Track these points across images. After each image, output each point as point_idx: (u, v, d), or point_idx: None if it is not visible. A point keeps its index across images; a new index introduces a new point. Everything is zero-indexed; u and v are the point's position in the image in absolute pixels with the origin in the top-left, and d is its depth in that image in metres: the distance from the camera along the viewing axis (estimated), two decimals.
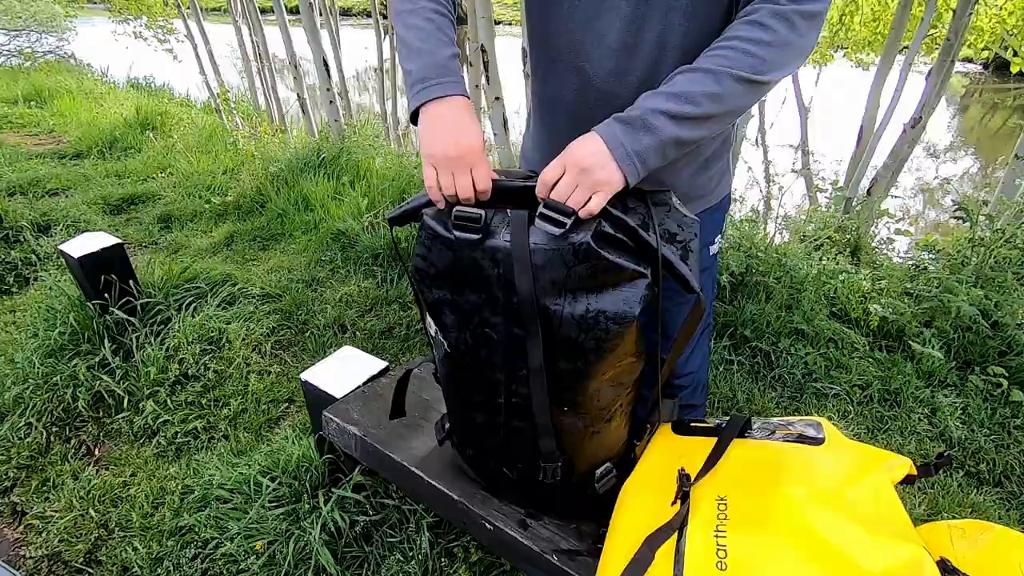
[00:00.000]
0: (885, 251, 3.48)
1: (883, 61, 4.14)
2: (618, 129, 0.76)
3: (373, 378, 1.35)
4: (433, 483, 1.06)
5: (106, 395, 1.89)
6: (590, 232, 0.76)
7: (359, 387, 1.31)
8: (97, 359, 1.95)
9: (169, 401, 1.89)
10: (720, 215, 1.15)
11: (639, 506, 0.92)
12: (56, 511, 1.59)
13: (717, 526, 0.83)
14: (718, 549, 0.80)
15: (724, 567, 0.78)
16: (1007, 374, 1.99)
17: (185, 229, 3.28)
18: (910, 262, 2.89)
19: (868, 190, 4.13)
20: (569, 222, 0.75)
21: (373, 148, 4.15)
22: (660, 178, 0.99)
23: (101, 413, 1.89)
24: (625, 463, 1.01)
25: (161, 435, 1.80)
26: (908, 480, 0.96)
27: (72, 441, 1.83)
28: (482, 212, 0.80)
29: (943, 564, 0.76)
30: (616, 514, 0.92)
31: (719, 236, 1.17)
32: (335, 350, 1.46)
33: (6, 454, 1.77)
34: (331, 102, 4.44)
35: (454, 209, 0.81)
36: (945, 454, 0.96)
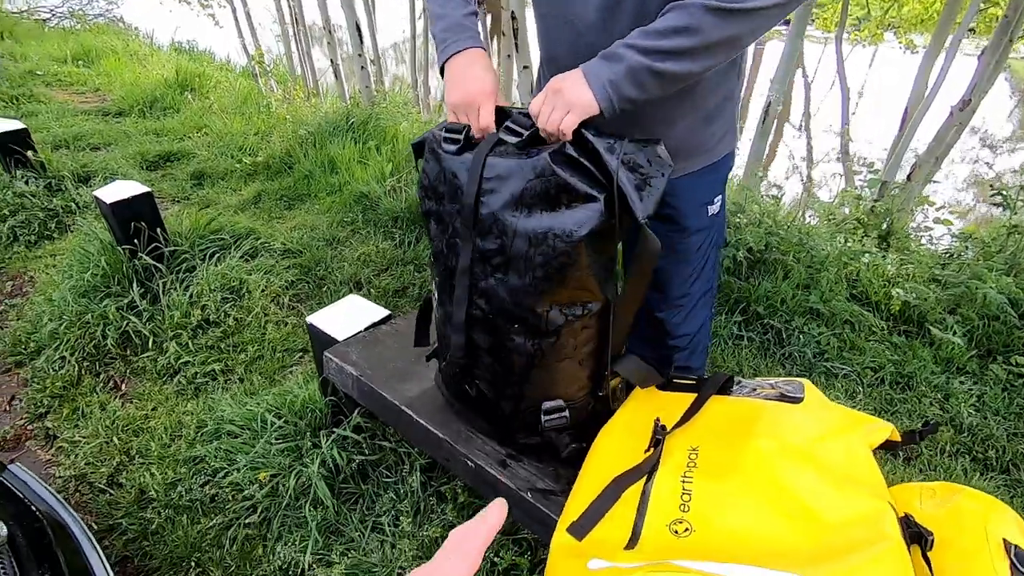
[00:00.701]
0: (922, 239, 3.35)
1: (935, 40, 3.93)
2: (595, 62, 0.83)
3: (375, 324, 1.40)
4: (421, 422, 1.11)
5: (133, 335, 2.00)
6: (550, 150, 0.81)
7: (361, 332, 1.36)
8: (126, 301, 2.05)
9: (191, 344, 1.99)
10: (721, 174, 1.14)
11: (613, 450, 0.94)
12: (84, 437, 1.71)
13: (685, 472, 0.85)
14: (683, 493, 0.82)
15: (687, 509, 0.80)
16: None
17: (216, 186, 3.38)
18: (942, 248, 2.78)
19: (908, 175, 3.96)
20: (526, 133, 0.83)
21: (401, 115, 4.18)
22: (659, 130, 0.99)
23: (128, 351, 2.00)
24: (584, 415, 1.02)
25: (182, 375, 1.90)
26: (890, 446, 0.96)
27: (101, 375, 1.95)
28: (464, 127, 0.90)
29: (906, 520, 0.76)
30: (589, 456, 0.94)
31: (720, 197, 1.15)
32: None
33: (41, 384, 1.90)
34: (362, 68, 4.46)
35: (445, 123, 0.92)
36: (931, 422, 0.95)
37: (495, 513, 0.34)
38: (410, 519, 1.33)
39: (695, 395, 1.00)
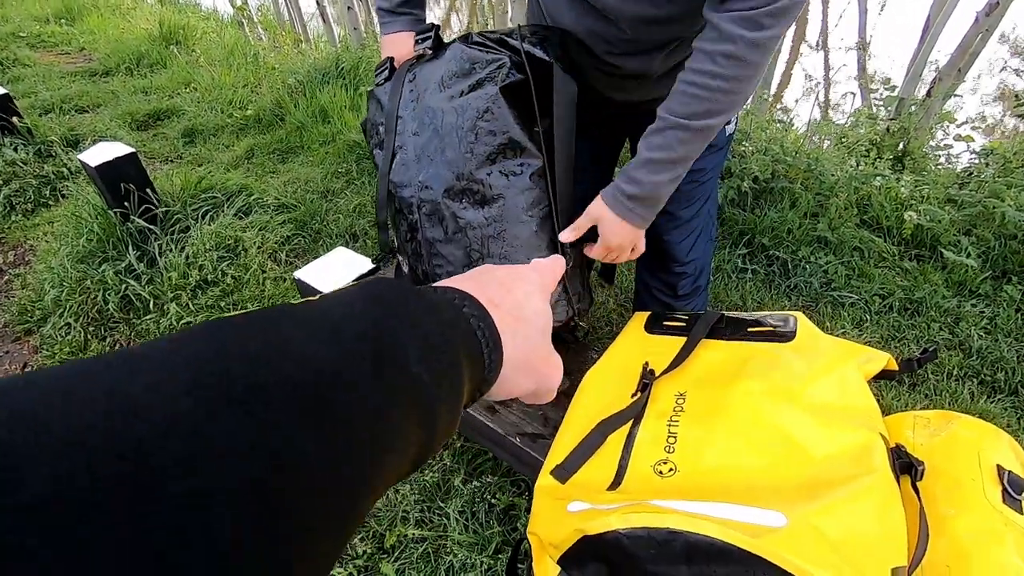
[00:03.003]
0: (940, 158, 3.19)
1: None
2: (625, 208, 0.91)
3: (362, 276, 1.37)
4: None
5: (134, 298, 2.01)
6: (458, 38, 0.94)
7: (348, 285, 1.34)
8: (123, 264, 2.05)
9: (191, 304, 1.99)
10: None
11: (599, 394, 0.93)
12: None
13: (671, 417, 0.83)
14: (668, 436, 0.81)
15: (671, 450, 0.79)
16: None
17: (208, 143, 3.31)
18: (961, 168, 2.65)
19: (928, 91, 3.74)
20: (432, 33, 0.97)
21: None
22: (673, 62, 0.97)
23: (131, 315, 2.02)
24: (553, 296, 1.01)
25: None
26: (887, 375, 0.93)
27: (107, 340, 1.97)
28: (389, 58, 1.05)
29: (897, 450, 0.74)
30: (575, 400, 0.93)
31: (736, 115, 1.09)
32: None
33: (51, 350, 1.93)
34: (349, 8, 4.26)
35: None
36: (930, 348, 0.92)
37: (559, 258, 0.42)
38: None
39: (685, 338, 0.97)
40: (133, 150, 2.06)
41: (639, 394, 0.89)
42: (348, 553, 1.25)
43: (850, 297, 1.95)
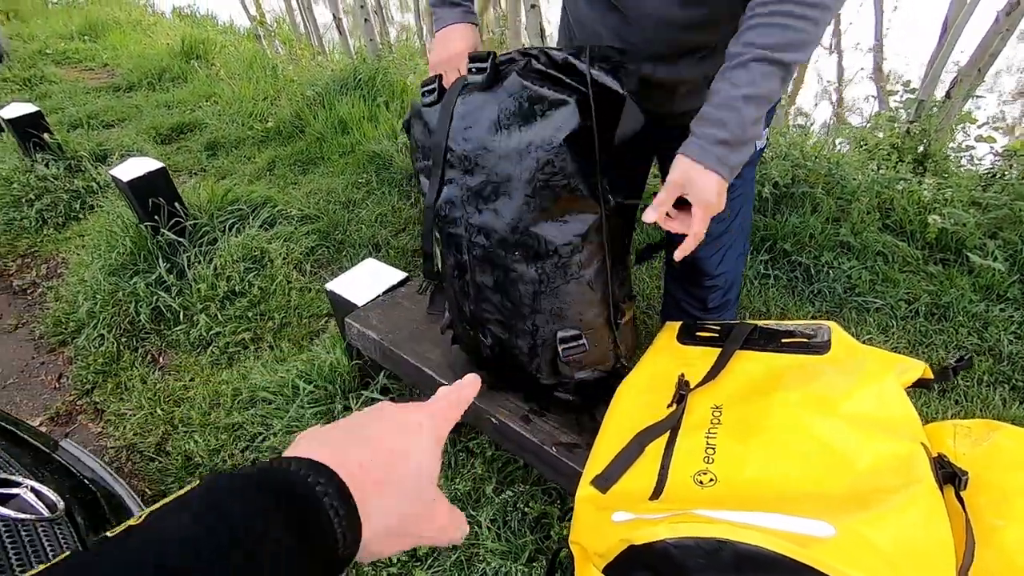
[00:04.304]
0: (961, 160, 3.15)
1: None
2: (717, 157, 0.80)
3: (392, 288, 1.40)
4: (444, 382, 1.12)
5: (164, 310, 2.06)
6: (518, 68, 0.85)
7: (379, 296, 1.37)
8: (154, 276, 2.10)
9: (220, 315, 2.03)
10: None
11: (635, 405, 0.94)
12: (129, 409, 1.79)
13: (709, 429, 0.84)
14: (707, 448, 0.81)
15: (711, 461, 0.79)
16: None
17: (230, 156, 3.38)
18: (984, 169, 2.63)
19: (948, 92, 3.70)
20: (486, 65, 0.86)
21: (408, 68, 4.06)
22: (703, 72, 0.93)
23: (161, 325, 2.06)
24: (605, 352, 1.00)
25: (214, 345, 1.96)
26: (923, 384, 0.93)
27: (139, 350, 2.02)
28: (437, 77, 0.96)
29: (939, 460, 0.74)
30: (611, 410, 0.94)
31: (766, 129, 1.07)
32: None
33: (85, 361, 1.98)
34: (365, 20, 4.32)
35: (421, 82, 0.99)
36: (965, 357, 0.91)
37: (470, 384, 0.40)
38: (441, 474, 1.37)
39: (718, 349, 0.98)
40: (163, 165, 2.11)
41: (675, 406, 0.90)
42: (381, 560, 1.26)
43: (875, 302, 1.94)
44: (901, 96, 3.28)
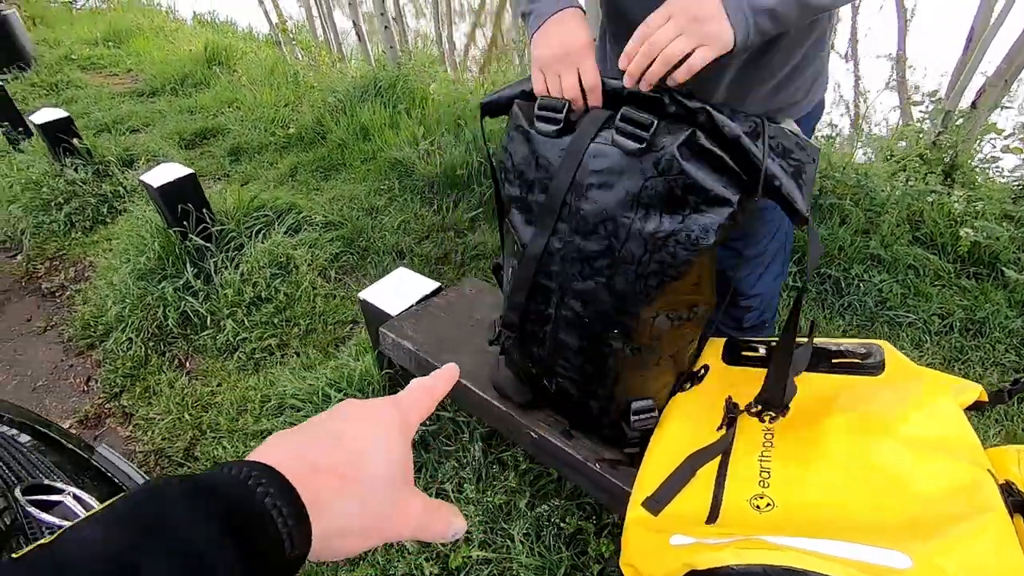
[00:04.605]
0: (989, 171, 3.11)
1: None
2: None
3: (426, 297, 1.39)
4: (481, 394, 1.11)
5: (191, 314, 2.07)
6: (678, 141, 0.68)
7: (412, 306, 1.36)
8: (182, 282, 2.12)
9: (246, 320, 2.04)
10: (808, 125, 1.05)
11: (684, 426, 0.92)
12: (157, 414, 1.80)
13: (762, 452, 0.82)
14: (761, 471, 0.80)
15: (766, 485, 0.78)
16: None
17: (253, 161, 3.40)
18: (1014, 181, 2.58)
19: (973, 102, 3.66)
20: (648, 136, 0.69)
21: (429, 76, 4.07)
22: (747, 85, 0.88)
23: (188, 330, 2.07)
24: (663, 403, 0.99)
25: (241, 351, 1.97)
26: (978, 407, 0.91)
27: (167, 355, 2.03)
28: (566, 102, 0.76)
29: (1007, 487, 0.72)
30: (658, 430, 0.93)
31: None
32: None
33: (113, 364, 2.00)
34: (385, 27, 4.35)
35: (539, 99, 0.78)
36: (1021, 379, 0.89)
37: (445, 378, 0.39)
38: (473, 486, 1.36)
39: (765, 370, 0.96)
40: (192, 171, 2.13)
41: (724, 429, 0.89)
42: (413, 573, 1.25)
43: (907, 316, 1.91)
44: (927, 106, 3.24)
